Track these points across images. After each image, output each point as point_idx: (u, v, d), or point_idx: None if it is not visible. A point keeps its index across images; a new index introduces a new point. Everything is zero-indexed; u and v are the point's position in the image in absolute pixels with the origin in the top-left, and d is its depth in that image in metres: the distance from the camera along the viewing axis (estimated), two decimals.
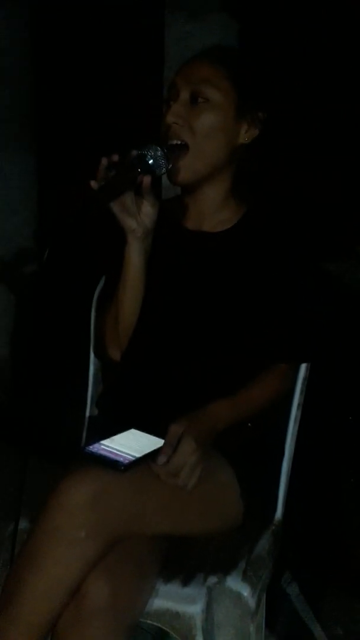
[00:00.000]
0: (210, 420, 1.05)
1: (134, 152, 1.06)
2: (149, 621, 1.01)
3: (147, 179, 1.06)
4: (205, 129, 1.09)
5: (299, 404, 1.22)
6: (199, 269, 1.15)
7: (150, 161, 1.06)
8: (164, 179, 1.12)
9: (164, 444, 0.98)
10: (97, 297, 1.30)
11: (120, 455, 0.95)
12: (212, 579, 1.03)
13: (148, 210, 1.08)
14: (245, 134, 1.13)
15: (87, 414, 1.32)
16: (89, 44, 2.62)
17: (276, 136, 1.17)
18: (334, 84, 2.18)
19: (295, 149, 2.12)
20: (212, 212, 1.17)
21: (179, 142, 1.09)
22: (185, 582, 1.01)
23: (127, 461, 0.94)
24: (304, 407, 1.23)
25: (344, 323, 1.59)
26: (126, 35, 2.53)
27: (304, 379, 1.22)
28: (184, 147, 1.09)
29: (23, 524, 1.03)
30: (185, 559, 1.06)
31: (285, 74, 2.02)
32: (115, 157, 1.03)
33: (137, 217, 1.08)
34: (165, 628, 1.01)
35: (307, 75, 2.18)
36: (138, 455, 0.96)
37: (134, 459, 0.95)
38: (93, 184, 1.01)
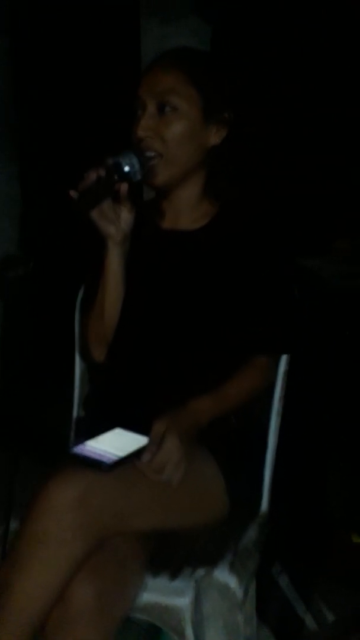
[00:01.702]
0: (193, 416, 1.06)
1: (110, 161, 1.07)
2: (138, 615, 1.02)
3: (124, 187, 1.09)
4: (176, 138, 1.11)
5: (280, 398, 1.24)
6: (176, 267, 1.17)
7: (126, 168, 1.08)
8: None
9: (149, 441, 0.99)
10: (80, 301, 1.32)
11: (105, 456, 0.96)
12: (200, 572, 1.04)
13: (126, 216, 1.11)
14: (215, 136, 1.15)
15: (75, 414, 1.33)
16: (67, 51, 2.63)
17: (249, 134, 1.19)
18: (307, 80, 2.20)
19: (272, 145, 2.14)
20: (187, 210, 1.19)
21: (152, 154, 1.11)
22: (173, 576, 1.02)
23: (111, 461, 0.95)
24: (287, 399, 1.24)
25: (321, 317, 1.61)
26: (103, 42, 2.54)
27: (285, 372, 1.24)
28: (157, 157, 1.11)
29: (13, 525, 1.04)
30: (172, 552, 1.07)
31: (259, 74, 2.04)
32: (102, 172, 1.05)
33: (116, 224, 1.10)
34: (154, 622, 1.02)
35: (280, 74, 2.19)
36: (122, 454, 0.97)
37: (118, 458, 0.96)
38: (73, 193, 1.03)
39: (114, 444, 0.99)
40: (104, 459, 0.95)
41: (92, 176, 1.05)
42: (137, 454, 0.98)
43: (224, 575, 1.04)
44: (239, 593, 1.04)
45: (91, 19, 2.52)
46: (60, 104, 2.66)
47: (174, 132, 1.11)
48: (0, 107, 2.44)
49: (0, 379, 2.27)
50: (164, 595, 1.01)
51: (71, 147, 2.55)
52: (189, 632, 1.01)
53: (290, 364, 1.24)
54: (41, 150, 2.69)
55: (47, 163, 2.64)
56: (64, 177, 1.06)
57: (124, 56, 2.32)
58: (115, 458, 0.95)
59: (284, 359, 1.24)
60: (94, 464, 0.94)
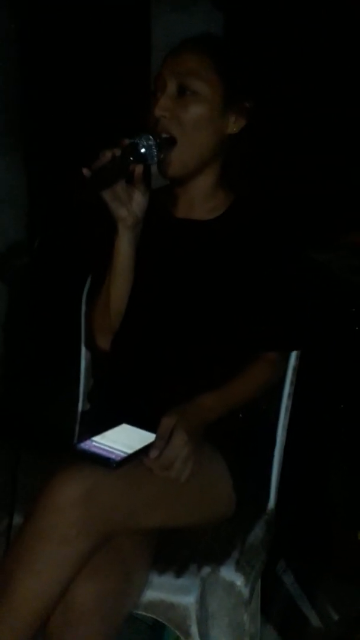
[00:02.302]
0: (201, 412, 1.05)
1: (126, 141, 1.05)
2: (143, 613, 1.01)
3: (139, 168, 1.06)
4: (193, 122, 1.09)
5: (289, 394, 1.23)
6: (188, 257, 1.15)
7: (143, 150, 1.05)
8: (154, 168, 1.11)
9: (156, 437, 0.98)
10: (87, 288, 1.30)
11: (112, 452, 0.94)
12: (206, 570, 1.03)
13: (139, 199, 1.08)
14: (233, 125, 1.13)
15: (80, 408, 1.32)
16: (75, 36, 2.59)
17: (264, 125, 1.17)
18: (322, 72, 2.17)
19: (283, 138, 2.11)
20: (202, 200, 1.17)
21: (167, 136, 1.09)
22: (179, 573, 1.02)
23: (119, 458, 0.93)
24: (296, 396, 1.23)
25: (330, 312, 1.59)
26: (112, 27, 2.51)
27: (294, 368, 1.22)
28: (172, 140, 1.09)
29: (17, 520, 1.02)
30: (178, 550, 1.06)
31: (272, 63, 2.01)
32: (118, 152, 1.03)
33: (128, 206, 1.08)
34: (160, 619, 1.02)
35: (294, 63, 2.16)
36: (130, 451, 0.95)
37: (125, 455, 0.94)
38: (86, 172, 1.00)
39: (121, 440, 0.98)
40: (112, 456, 0.94)
41: (107, 155, 1.03)
42: (144, 451, 0.97)
43: (230, 573, 1.03)
44: (245, 591, 1.03)
45: (100, 5, 2.49)
46: (67, 91, 2.62)
47: (192, 115, 1.09)
48: (5, 93, 2.41)
49: (2, 372, 2.26)
50: (170, 592, 1.01)
51: (78, 134, 2.52)
52: (194, 629, 1.01)
53: (300, 359, 1.22)
54: (46, 137, 2.66)
55: (52, 151, 2.61)
56: (70, 165, 1.03)
57: (133, 43, 2.28)
58: (123, 455, 0.94)
59: (293, 355, 1.22)
60: (101, 461, 0.93)
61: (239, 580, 1.03)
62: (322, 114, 2.16)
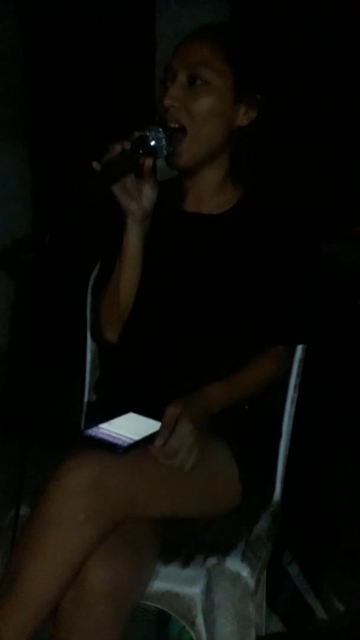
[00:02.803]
0: (206, 402, 1.05)
1: (136, 134, 1.04)
2: (149, 603, 1.02)
3: (148, 161, 1.05)
4: (203, 112, 1.08)
5: (295, 386, 1.22)
6: (197, 251, 1.15)
7: (152, 142, 1.05)
8: (159, 161, 1.10)
9: (161, 426, 0.98)
10: (93, 280, 1.29)
11: (119, 439, 0.95)
12: (212, 560, 1.03)
13: (149, 193, 1.07)
14: (243, 116, 1.12)
15: (86, 399, 1.32)
16: (81, 29, 2.59)
17: (274, 118, 1.16)
18: (332, 63, 2.15)
19: (292, 131, 2.10)
20: (211, 194, 1.17)
21: (176, 126, 1.08)
22: (185, 564, 1.02)
23: (125, 444, 0.94)
24: (302, 388, 1.22)
25: (339, 305, 1.58)
26: (117, 18, 2.50)
27: (301, 360, 1.22)
28: (182, 131, 1.08)
29: (23, 511, 1.03)
30: (184, 540, 1.06)
31: (279, 55, 2.00)
32: (127, 145, 1.02)
33: (138, 200, 1.07)
34: (165, 609, 1.02)
35: (302, 55, 2.15)
36: (137, 438, 0.96)
37: (132, 441, 0.95)
38: (95, 165, 1.00)
39: (128, 427, 0.99)
40: (118, 442, 0.94)
41: (117, 149, 1.02)
42: (151, 438, 0.97)
43: (235, 564, 1.04)
44: (251, 582, 1.04)
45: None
46: (73, 84, 2.62)
47: (202, 105, 1.08)
48: (11, 87, 2.41)
49: (9, 365, 2.27)
50: (175, 583, 1.01)
51: (83, 128, 2.52)
52: (200, 620, 1.01)
53: (307, 352, 1.22)
54: (52, 132, 2.65)
55: (58, 146, 2.61)
56: (78, 159, 1.03)
57: (139, 35, 2.27)
58: (129, 441, 0.95)
59: (300, 347, 1.22)
60: (108, 447, 0.94)
61: (244, 571, 1.03)
62: (333, 106, 2.14)
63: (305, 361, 1.23)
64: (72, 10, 2.55)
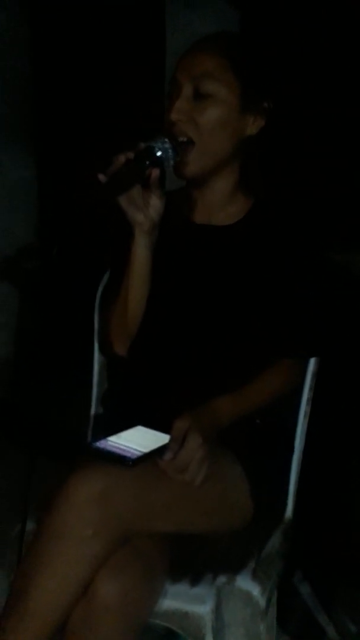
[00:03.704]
0: (215, 415, 1.03)
1: (142, 145, 1.04)
2: (157, 621, 1.00)
3: (155, 172, 1.05)
4: (210, 125, 1.07)
5: (308, 399, 1.20)
6: (207, 263, 1.13)
7: (159, 153, 1.04)
8: (169, 171, 1.09)
9: (170, 439, 0.97)
10: (101, 293, 1.29)
11: (128, 451, 0.94)
12: (222, 579, 1.01)
13: (156, 204, 1.06)
14: (252, 126, 1.11)
15: (93, 411, 1.30)
16: (89, 36, 2.59)
17: (283, 126, 1.15)
18: (341, 70, 2.14)
19: (303, 138, 2.08)
20: (220, 205, 1.15)
21: (184, 139, 1.07)
22: (194, 582, 1.00)
23: (134, 457, 0.93)
24: (315, 402, 1.20)
25: (352, 316, 1.56)
26: (127, 26, 2.49)
27: (313, 374, 1.20)
28: (190, 143, 1.07)
29: (30, 525, 1.02)
30: (193, 558, 1.04)
31: (288, 62, 1.99)
32: (131, 155, 1.01)
33: (145, 211, 1.06)
34: (174, 628, 1.00)
35: (310, 62, 2.14)
36: (145, 451, 0.95)
37: (141, 454, 0.94)
38: (101, 177, 0.99)
39: (136, 440, 0.98)
40: (127, 454, 0.93)
41: (121, 159, 1.01)
42: (159, 451, 0.96)
43: (246, 583, 1.02)
44: (262, 601, 1.02)
45: (115, 3, 2.47)
46: (80, 90, 2.61)
47: (209, 118, 1.07)
48: (17, 92, 2.41)
49: (15, 376, 2.25)
50: (185, 602, 0.99)
51: (90, 135, 2.51)
52: (209, 639, 0.99)
53: (320, 364, 1.20)
54: (58, 139, 2.65)
55: (64, 152, 2.60)
56: (83, 165, 1.01)
57: (148, 41, 2.26)
58: (138, 454, 0.94)
59: (313, 360, 1.20)
60: (117, 459, 0.93)
61: (255, 590, 1.01)
62: (345, 112, 2.13)
63: (318, 374, 1.21)
64: (80, 14, 2.55)
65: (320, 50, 2.12)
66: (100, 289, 1.29)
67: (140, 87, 2.27)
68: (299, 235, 1.14)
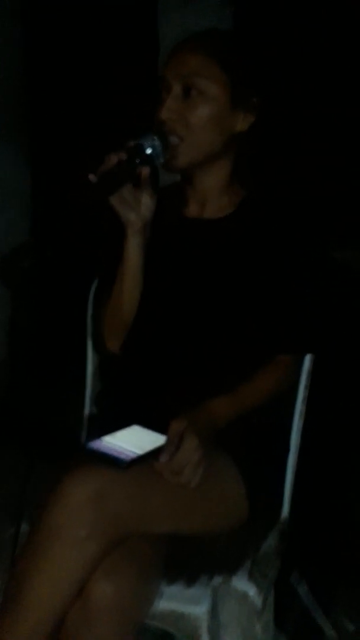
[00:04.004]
0: (211, 417, 1.03)
1: (131, 143, 1.03)
2: (153, 622, 0.99)
3: (145, 170, 1.05)
4: (201, 123, 1.07)
5: (303, 398, 1.19)
6: (200, 257, 1.13)
7: (149, 151, 1.04)
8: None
9: (166, 441, 0.96)
10: (94, 291, 1.28)
11: (123, 452, 0.93)
12: (218, 579, 1.01)
13: (147, 202, 1.06)
14: (242, 122, 1.11)
15: (87, 411, 1.29)
16: (82, 31, 2.57)
17: (275, 120, 1.14)
18: (334, 65, 2.12)
19: (298, 132, 2.07)
20: (213, 199, 1.15)
21: (174, 138, 1.07)
22: (190, 583, 1.00)
23: (129, 458, 0.92)
24: (310, 401, 1.20)
25: (350, 313, 1.55)
26: (119, 22, 2.48)
27: (309, 372, 1.19)
28: (179, 137, 1.07)
29: (24, 527, 1.02)
30: (189, 558, 1.04)
31: (283, 56, 1.98)
32: (123, 156, 1.01)
33: (137, 210, 1.06)
34: (170, 630, 1.00)
35: (305, 56, 2.12)
36: (140, 452, 0.94)
37: (136, 456, 0.93)
38: (92, 177, 0.99)
39: (132, 440, 0.97)
40: (122, 456, 0.92)
41: (112, 159, 1.01)
42: (155, 453, 0.95)
43: (242, 583, 1.01)
44: (258, 601, 1.01)
45: (107, 1, 2.46)
46: (73, 88, 2.59)
47: (199, 116, 1.07)
48: (10, 92, 2.39)
49: (10, 377, 2.25)
50: (180, 602, 0.98)
51: (83, 132, 2.49)
52: None
53: (315, 363, 1.19)
54: (52, 136, 2.63)
55: (58, 150, 2.58)
56: (76, 164, 1.01)
57: (141, 37, 2.25)
58: (133, 455, 0.93)
59: (308, 358, 1.19)
60: (112, 460, 0.92)
61: (251, 591, 1.01)
62: (337, 106, 2.12)
63: (314, 373, 1.20)
64: (72, 12, 2.53)
65: (313, 45, 2.11)
66: (93, 287, 1.28)
67: (134, 84, 2.26)
68: (293, 228, 1.14)
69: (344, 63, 2.12)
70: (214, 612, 0.99)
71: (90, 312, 1.29)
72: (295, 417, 1.19)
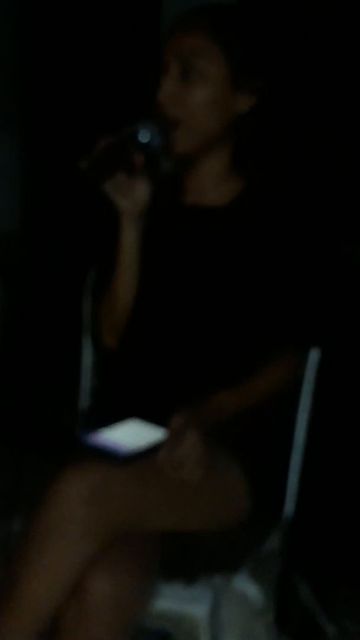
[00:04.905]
0: (214, 412, 1.01)
1: (126, 129, 1.01)
2: (152, 622, 0.98)
3: (140, 157, 1.02)
4: (199, 105, 1.04)
5: (309, 392, 1.17)
6: (199, 246, 1.10)
7: (143, 138, 1.01)
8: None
9: (167, 436, 0.95)
10: (91, 284, 1.25)
11: (121, 446, 0.92)
12: (218, 579, 0.99)
13: (142, 189, 1.03)
14: (243, 104, 1.07)
15: (83, 406, 1.27)
16: (81, 12, 2.51)
17: (278, 102, 1.10)
18: (341, 45, 2.07)
19: (303, 116, 2.02)
20: (212, 185, 1.12)
21: (172, 123, 1.04)
22: (190, 582, 0.98)
23: (127, 451, 0.91)
24: (316, 396, 1.17)
25: (352, 306, 1.53)
26: (121, 1, 2.42)
27: (314, 366, 1.17)
28: (176, 124, 1.04)
29: (18, 523, 1.00)
30: (189, 557, 1.02)
31: (288, 34, 1.93)
32: (115, 141, 0.99)
33: (131, 197, 1.03)
34: (169, 629, 0.99)
35: (312, 34, 2.07)
36: (139, 445, 0.93)
37: (133, 450, 0.92)
38: (84, 164, 0.96)
39: (130, 434, 0.96)
40: (119, 449, 0.91)
41: (103, 145, 0.99)
42: (153, 447, 0.94)
43: (243, 583, 1.00)
44: (259, 601, 1.00)
45: None
46: (71, 70, 2.54)
47: (198, 98, 1.04)
48: (4, 73, 2.35)
49: (3, 370, 2.23)
50: (180, 602, 0.97)
51: (79, 115, 2.45)
52: None
53: (320, 356, 1.16)
54: (46, 122, 2.58)
55: (52, 135, 2.54)
56: (71, 149, 0.98)
57: (143, 16, 2.20)
58: (131, 449, 0.92)
59: (314, 352, 1.16)
60: (108, 454, 0.91)
61: (252, 590, 1.00)
62: (343, 90, 2.07)
63: (319, 367, 1.17)
64: None
65: (321, 23, 2.06)
66: (88, 278, 1.26)
67: (133, 66, 2.21)
68: (296, 218, 1.11)
69: (354, 42, 2.07)
70: (214, 612, 0.98)
71: (86, 304, 1.26)
72: (300, 412, 1.17)
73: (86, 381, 1.28)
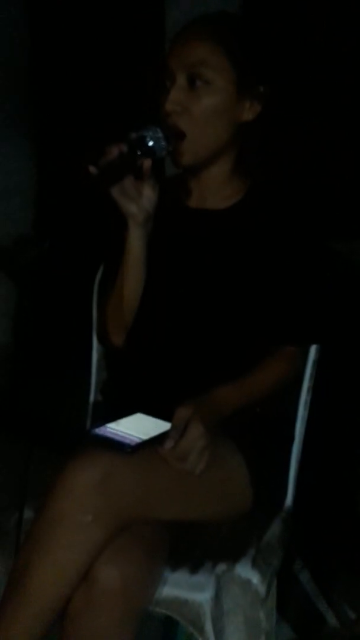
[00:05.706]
0: (217, 404, 1.03)
1: (133, 135, 1.02)
2: (157, 609, 1.00)
3: (147, 162, 1.03)
4: (206, 114, 1.05)
5: (308, 388, 1.20)
6: (203, 248, 1.12)
7: (150, 143, 1.03)
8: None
9: (172, 427, 0.97)
10: (98, 283, 1.28)
11: (127, 438, 0.94)
12: (221, 566, 1.01)
13: (149, 194, 1.05)
14: (248, 111, 1.09)
15: (92, 400, 1.30)
16: (87, 19, 2.53)
17: (282, 108, 1.13)
18: (344, 52, 2.09)
19: (304, 120, 2.04)
20: (216, 189, 1.14)
21: (179, 131, 1.05)
22: (194, 570, 1.00)
23: (134, 443, 0.93)
24: (315, 390, 1.20)
25: (351, 304, 1.55)
26: (124, 7, 2.44)
27: (314, 362, 1.19)
28: (182, 133, 1.06)
29: (27, 514, 1.02)
30: (193, 546, 1.04)
31: (292, 42, 1.95)
32: (124, 147, 1.00)
33: (138, 202, 1.05)
34: (173, 616, 1.00)
35: (314, 43, 2.09)
36: (145, 437, 0.95)
37: (140, 441, 0.94)
38: (92, 169, 0.98)
39: (136, 427, 0.97)
40: (126, 441, 0.93)
41: (114, 151, 1.00)
42: (159, 439, 0.96)
43: (246, 571, 1.01)
44: (261, 589, 1.01)
45: None
46: (79, 76, 2.57)
47: (205, 107, 1.05)
48: (14, 82, 2.37)
49: (13, 367, 2.24)
50: (184, 589, 0.99)
51: (89, 122, 2.47)
52: (209, 627, 0.99)
53: (320, 353, 1.19)
54: (57, 126, 2.61)
55: (63, 139, 2.56)
56: (82, 154, 1.00)
57: (147, 23, 2.22)
58: (138, 440, 0.94)
59: (313, 348, 1.19)
60: (116, 446, 0.93)
61: (255, 578, 1.01)
62: (344, 95, 2.09)
63: (319, 363, 1.20)
64: (78, 2, 2.50)
65: (324, 30, 2.07)
66: (97, 277, 1.28)
67: (139, 72, 2.23)
68: (298, 219, 1.13)
69: (356, 49, 2.09)
70: (217, 599, 1.00)
71: (95, 302, 1.28)
72: (300, 406, 1.19)
73: (95, 376, 1.30)
